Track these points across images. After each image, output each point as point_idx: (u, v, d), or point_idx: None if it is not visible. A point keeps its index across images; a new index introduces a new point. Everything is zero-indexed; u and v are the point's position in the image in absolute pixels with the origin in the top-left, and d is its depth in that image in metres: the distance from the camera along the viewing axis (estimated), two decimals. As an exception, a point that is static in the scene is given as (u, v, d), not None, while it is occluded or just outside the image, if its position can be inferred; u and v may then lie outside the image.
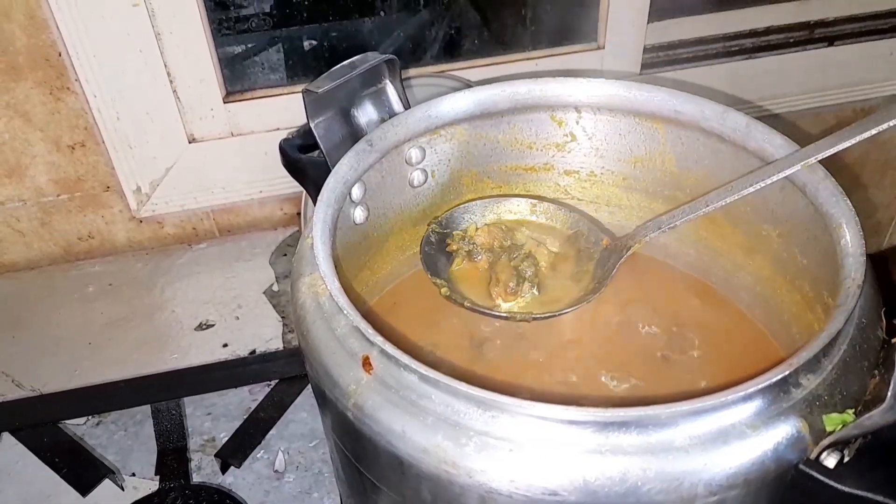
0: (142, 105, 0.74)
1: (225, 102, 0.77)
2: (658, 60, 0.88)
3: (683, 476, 0.28)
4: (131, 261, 0.82)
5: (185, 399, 0.64)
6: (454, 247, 0.49)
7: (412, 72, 0.82)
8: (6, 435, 0.61)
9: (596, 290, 0.45)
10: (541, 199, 0.51)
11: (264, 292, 0.77)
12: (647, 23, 0.84)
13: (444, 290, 0.46)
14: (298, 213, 0.84)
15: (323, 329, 0.34)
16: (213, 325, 0.74)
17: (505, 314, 0.45)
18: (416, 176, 0.49)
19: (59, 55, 0.70)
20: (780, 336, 0.47)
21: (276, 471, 0.61)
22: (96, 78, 0.72)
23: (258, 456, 0.62)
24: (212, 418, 0.65)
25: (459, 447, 0.29)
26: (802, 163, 0.38)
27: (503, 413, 0.29)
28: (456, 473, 0.29)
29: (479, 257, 0.49)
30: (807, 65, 0.92)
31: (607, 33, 0.83)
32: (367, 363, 0.32)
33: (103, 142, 0.75)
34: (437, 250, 0.48)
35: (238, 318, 0.75)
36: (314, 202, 0.41)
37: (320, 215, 0.37)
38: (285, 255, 0.82)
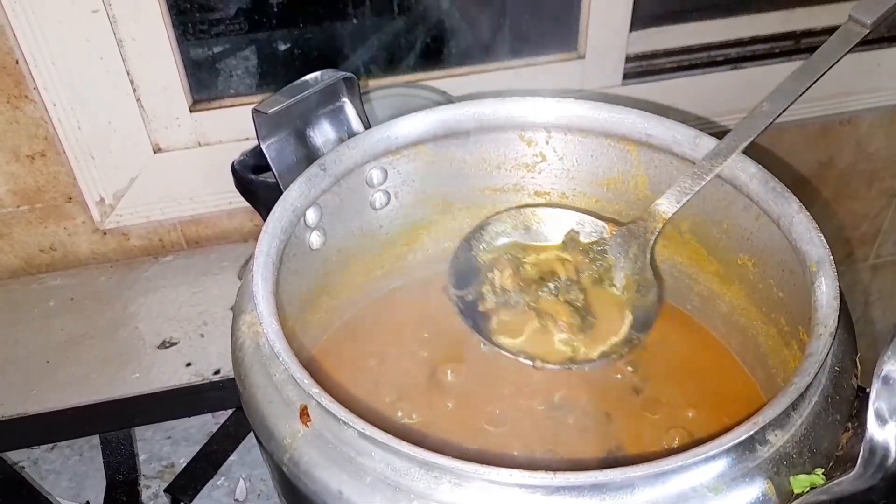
0: (104, 114, 0.72)
1: (191, 111, 0.74)
2: (641, 70, 0.86)
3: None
4: (95, 274, 0.79)
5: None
6: (489, 305, 0.44)
7: (386, 81, 0.79)
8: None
9: (647, 290, 0.42)
10: (509, 210, 0.48)
11: (231, 308, 0.74)
12: (629, 31, 0.81)
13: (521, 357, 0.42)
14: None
15: (261, 374, 0.32)
16: (176, 343, 0.71)
17: (599, 357, 0.41)
18: (378, 198, 0.47)
19: (17, 63, 0.67)
20: (756, 369, 0.44)
21: (236, 499, 0.58)
22: (56, 86, 0.69)
23: (218, 484, 0.59)
24: (171, 442, 0.63)
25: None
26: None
27: (447, 475, 0.27)
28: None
29: (518, 302, 0.44)
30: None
31: (588, 42, 0.81)
32: (304, 414, 0.29)
33: (64, 152, 0.73)
34: (472, 314, 0.44)
35: (203, 335, 0.72)
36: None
37: (263, 248, 0.35)
38: (255, 268, 0.79)
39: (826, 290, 0.31)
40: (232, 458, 0.61)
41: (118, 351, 0.70)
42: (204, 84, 0.75)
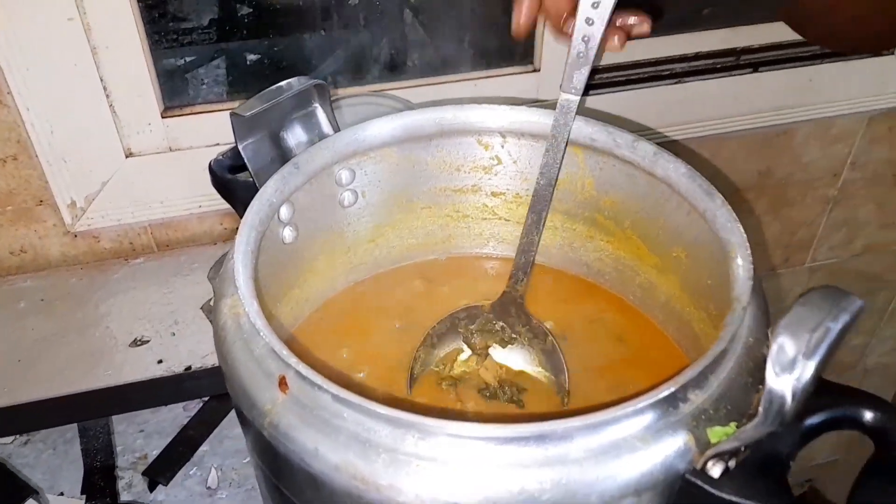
0: (77, 119, 0.74)
1: (163, 117, 0.77)
2: (592, 83, 0.91)
3: (578, 487, 0.30)
4: (65, 276, 0.81)
5: (119, 416, 0.64)
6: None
7: (354, 90, 0.83)
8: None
9: (543, 336, 0.48)
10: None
11: (201, 308, 0.77)
12: (581, 47, 0.87)
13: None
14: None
15: (242, 350, 0.35)
16: (148, 342, 0.73)
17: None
18: (347, 196, 0.51)
19: (-9, 68, 0.69)
20: (691, 351, 0.49)
21: (208, 487, 0.61)
22: (29, 91, 0.71)
23: (190, 473, 0.62)
24: (144, 435, 0.65)
25: (369, 464, 0.31)
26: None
27: (410, 430, 0.30)
28: (366, 489, 0.31)
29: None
30: (733, 89, 0.96)
31: (543, 57, 0.86)
32: (283, 383, 0.33)
33: (37, 155, 0.75)
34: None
35: (174, 333, 0.74)
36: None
37: (243, 238, 0.38)
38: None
39: (742, 272, 0.36)
40: (204, 447, 0.63)
41: (90, 349, 0.72)
42: (175, 91, 0.78)
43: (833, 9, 0.58)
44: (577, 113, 0.47)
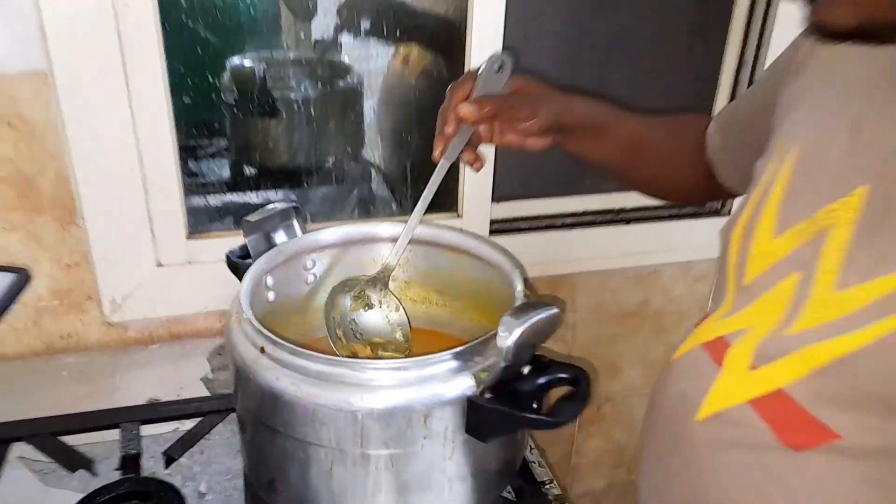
0: (126, 238, 1.04)
1: (187, 239, 1.07)
2: (501, 229, 1.23)
3: (415, 398, 0.57)
4: (99, 356, 1.07)
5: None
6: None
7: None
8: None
9: (397, 307, 0.77)
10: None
11: (202, 379, 1.03)
12: (492, 203, 1.20)
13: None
14: (232, 324, 1.12)
15: (239, 334, 0.63)
16: (159, 400, 0.98)
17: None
18: (308, 277, 0.80)
19: (73, 199, 1.00)
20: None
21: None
22: (95, 218, 1.01)
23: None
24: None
25: (313, 386, 0.57)
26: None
27: (326, 364, 0.58)
28: (306, 400, 0.57)
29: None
30: (612, 237, 1.29)
31: (464, 207, 1.19)
32: (262, 350, 0.60)
33: (92, 262, 1.04)
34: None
35: (179, 395, 1.00)
36: (242, 282, 0.71)
37: (247, 280, 0.67)
38: (220, 354, 1.08)
39: (516, 281, 0.65)
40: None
41: (115, 406, 0.97)
42: (198, 221, 1.10)
43: (652, 181, 0.91)
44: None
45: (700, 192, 0.92)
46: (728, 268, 0.67)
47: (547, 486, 0.76)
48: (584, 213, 1.30)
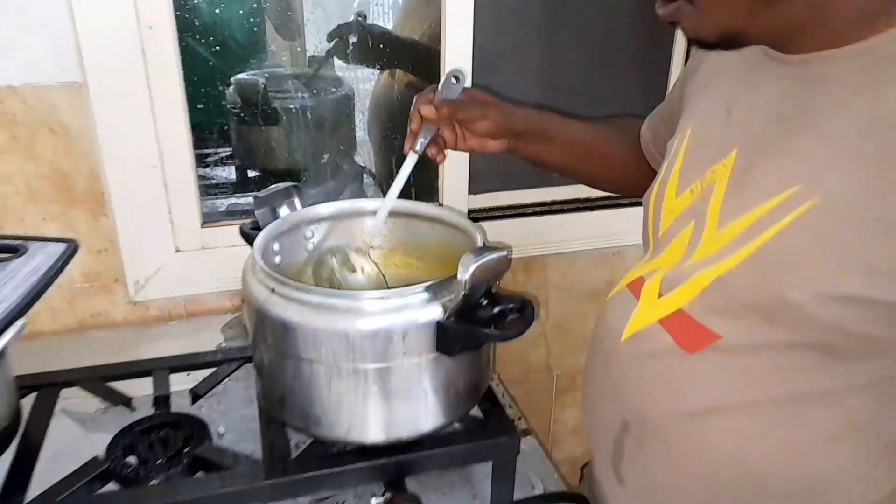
0: (150, 228, 1.19)
1: (201, 227, 1.23)
2: (479, 217, 1.39)
3: (393, 323, 0.72)
4: (124, 331, 1.22)
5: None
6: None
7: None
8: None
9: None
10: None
11: (216, 348, 1.18)
12: (468, 194, 1.36)
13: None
14: (242, 301, 1.27)
15: (253, 279, 0.78)
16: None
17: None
18: (308, 245, 0.96)
19: (102, 194, 1.16)
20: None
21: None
22: (122, 210, 1.17)
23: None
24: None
25: (313, 314, 0.72)
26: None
27: (323, 296, 0.73)
28: (308, 326, 0.72)
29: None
30: (577, 222, 1.45)
31: (444, 198, 1.35)
32: (273, 290, 0.75)
33: (120, 249, 1.19)
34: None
35: (196, 360, 1.14)
36: (254, 245, 0.87)
37: (259, 240, 0.83)
38: (231, 328, 1.23)
39: (479, 243, 0.80)
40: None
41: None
42: (210, 214, 1.25)
43: (600, 178, 1.07)
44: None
45: (644, 182, 1.08)
46: (648, 226, 0.83)
47: (509, 411, 0.91)
48: (553, 203, 1.46)
